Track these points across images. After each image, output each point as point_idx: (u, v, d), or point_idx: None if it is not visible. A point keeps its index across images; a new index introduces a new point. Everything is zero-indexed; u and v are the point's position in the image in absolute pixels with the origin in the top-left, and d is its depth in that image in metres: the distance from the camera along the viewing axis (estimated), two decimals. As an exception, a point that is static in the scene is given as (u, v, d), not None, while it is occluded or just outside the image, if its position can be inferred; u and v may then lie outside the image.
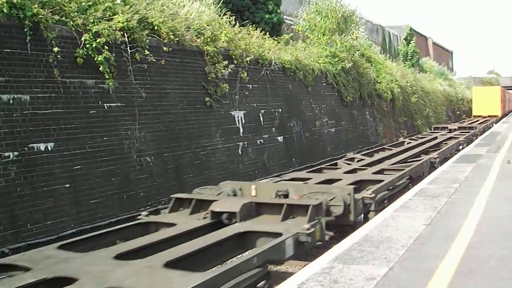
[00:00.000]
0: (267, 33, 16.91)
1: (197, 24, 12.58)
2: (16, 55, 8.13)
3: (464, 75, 75.46)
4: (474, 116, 39.94)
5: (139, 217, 7.30)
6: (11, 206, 7.68)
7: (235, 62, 13.52)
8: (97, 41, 9.26)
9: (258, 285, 5.21)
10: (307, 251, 6.95)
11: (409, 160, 13.79)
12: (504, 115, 44.43)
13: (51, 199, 8.29)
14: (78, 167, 8.88)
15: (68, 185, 8.62)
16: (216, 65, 12.66)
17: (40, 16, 8.40)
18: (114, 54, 9.68)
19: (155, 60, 10.72)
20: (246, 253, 6.04)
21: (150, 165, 10.43)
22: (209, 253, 5.71)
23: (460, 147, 18.65)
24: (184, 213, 7.35)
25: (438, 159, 13.65)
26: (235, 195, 8.15)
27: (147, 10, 10.97)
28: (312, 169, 12.28)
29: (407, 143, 18.88)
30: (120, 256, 5.32)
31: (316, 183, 9.12)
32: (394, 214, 7.67)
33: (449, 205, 8.14)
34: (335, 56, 20.79)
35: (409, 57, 47.23)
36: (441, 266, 5.19)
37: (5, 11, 7.85)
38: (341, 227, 7.73)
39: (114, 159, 9.62)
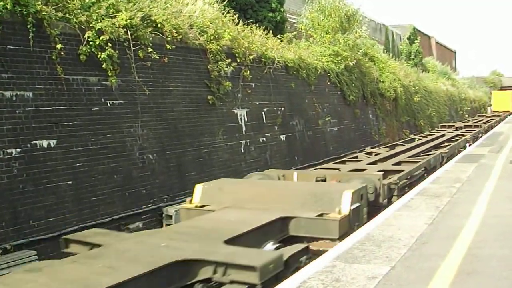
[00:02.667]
0: (270, 31, 16.90)
1: (200, 22, 12.57)
2: (19, 52, 8.13)
3: (467, 74, 75.33)
4: (493, 111, 54.21)
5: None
6: (13, 202, 7.69)
7: (238, 60, 13.50)
8: (100, 38, 9.27)
9: None
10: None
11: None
12: None
13: (53, 196, 8.30)
14: (81, 164, 8.89)
15: (70, 182, 8.63)
16: (219, 63, 12.65)
17: (44, 13, 8.40)
18: (117, 52, 9.68)
19: (158, 57, 10.71)
20: None
21: (153, 162, 10.44)
22: None
23: (495, 124, 30.81)
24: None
25: (496, 123, 26.38)
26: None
27: (151, 8, 10.96)
28: (337, 161, 13.51)
29: (473, 121, 32.93)
30: None
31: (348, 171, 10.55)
32: (396, 213, 7.66)
33: (451, 205, 8.13)
34: (338, 55, 20.76)
35: (412, 57, 47.03)
36: (443, 266, 5.17)
37: (8, 7, 7.84)
38: (373, 207, 8.52)
39: (116, 156, 9.62)
